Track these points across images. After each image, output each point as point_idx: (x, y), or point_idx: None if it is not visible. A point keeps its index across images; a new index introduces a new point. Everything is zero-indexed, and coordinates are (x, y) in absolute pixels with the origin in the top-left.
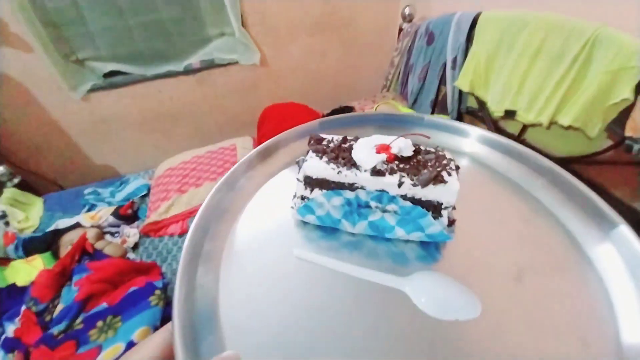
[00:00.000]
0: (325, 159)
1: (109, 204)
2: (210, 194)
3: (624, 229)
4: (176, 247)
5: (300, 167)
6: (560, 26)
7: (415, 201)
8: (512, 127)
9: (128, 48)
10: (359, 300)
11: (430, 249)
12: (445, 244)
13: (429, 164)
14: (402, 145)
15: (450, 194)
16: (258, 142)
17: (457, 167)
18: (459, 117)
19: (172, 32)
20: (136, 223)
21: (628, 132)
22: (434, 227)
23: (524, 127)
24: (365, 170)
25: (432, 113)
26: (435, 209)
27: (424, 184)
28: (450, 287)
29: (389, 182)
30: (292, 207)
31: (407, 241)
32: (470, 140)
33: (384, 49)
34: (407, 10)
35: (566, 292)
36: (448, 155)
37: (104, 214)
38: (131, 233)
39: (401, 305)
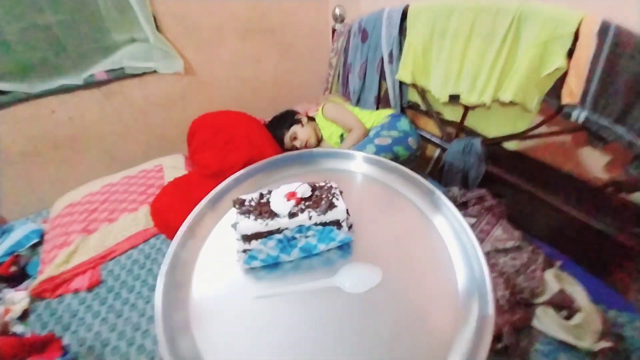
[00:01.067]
0: (252, 217)
1: None
2: (171, 249)
3: (440, 195)
4: (83, 307)
5: (236, 229)
6: (486, 8)
7: (323, 224)
8: (454, 114)
9: (4, 61)
10: (309, 304)
11: (344, 249)
12: (351, 242)
13: (323, 195)
14: (303, 190)
15: (341, 212)
16: (191, 157)
17: (341, 192)
18: (402, 112)
19: (64, 39)
20: (25, 283)
21: (565, 100)
22: (340, 235)
23: (465, 113)
24: (284, 216)
25: (377, 109)
26: (336, 224)
27: (324, 213)
28: (360, 269)
29: (303, 219)
30: (237, 260)
31: (328, 250)
32: (356, 162)
33: (320, 50)
34: (337, 11)
35: (425, 248)
36: (334, 185)
37: None
38: (17, 298)
39: (337, 295)
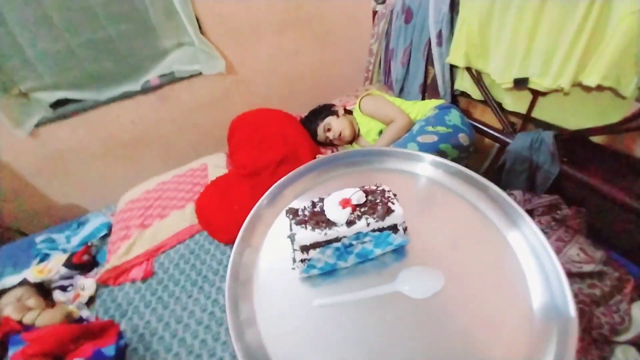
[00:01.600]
0: (309, 227)
1: (64, 251)
2: (231, 262)
3: (525, 216)
4: (138, 296)
5: (293, 240)
6: None
7: (380, 229)
8: (518, 103)
9: (74, 72)
10: (373, 311)
11: (399, 251)
12: (408, 245)
13: (378, 200)
14: (358, 196)
15: (398, 217)
16: (230, 157)
17: (395, 195)
18: (453, 101)
19: (122, 49)
20: (94, 271)
21: None
22: (397, 239)
23: (534, 101)
24: (341, 225)
25: (423, 98)
26: (393, 228)
27: (382, 219)
28: (421, 273)
29: (361, 226)
30: (293, 268)
31: (383, 254)
32: (424, 165)
33: (360, 37)
34: None
35: (489, 255)
36: (387, 189)
37: (54, 264)
38: (86, 285)
39: (400, 301)
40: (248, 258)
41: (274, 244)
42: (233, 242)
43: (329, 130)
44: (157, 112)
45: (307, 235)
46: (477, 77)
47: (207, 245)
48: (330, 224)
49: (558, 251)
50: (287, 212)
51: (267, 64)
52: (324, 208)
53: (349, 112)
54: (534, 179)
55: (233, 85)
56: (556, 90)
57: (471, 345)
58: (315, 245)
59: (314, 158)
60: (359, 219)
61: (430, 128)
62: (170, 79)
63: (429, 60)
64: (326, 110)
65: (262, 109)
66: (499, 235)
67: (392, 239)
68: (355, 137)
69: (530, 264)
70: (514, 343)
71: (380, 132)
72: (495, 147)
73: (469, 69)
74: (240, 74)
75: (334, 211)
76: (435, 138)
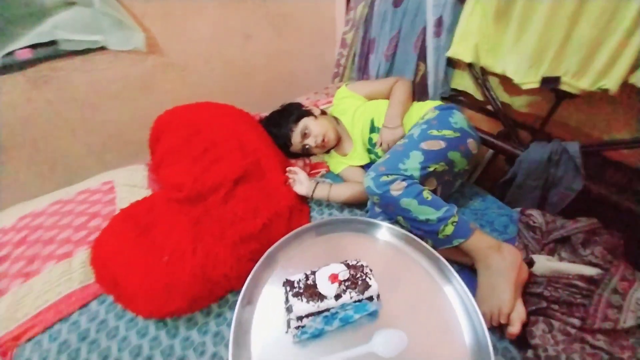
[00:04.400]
0: (304, 299)
1: None
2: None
3: (446, 264)
4: None
5: (290, 311)
6: None
7: (359, 300)
8: (534, 106)
9: None
10: None
11: (372, 314)
12: (380, 310)
13: (357, 275)
14: (343, 273)
15: (374, 290)
16: (154, 172)
17: (371, 270)
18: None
19: None
20: None
21: None
22: (372, 306)
23: (556, 105)
24: (331, 298)
25: (415, 99)
26: (369, 299)
27: (362, 293)
28: (389, 335)
29: (346, 299)
30: (286, 332)
31: (360, 317)
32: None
33: (327, 24)
34: None
35: (437, 308)
36: (365, 264)
37: None
38: None
39: (372, 358)
40: (244, 317)
41: (267, 305)
42: (160, 315)
43: (307, 135)
44: (29, 101)
45: (303, 307)
46: (482, 76)
47: (112, 322)
48: (322, 297)
49: (624, 293)
50: (285, 283)
51: (208, 46)
52: (316, 281)
53: (323, 112)
54: (546, 196)
55: (158, 70)
56: (588, 93)
57: None
58: (308, 315)
59: (284, 172)
60: (344, 293)
61: (434, 132)
62: (51, 53)
63: (421, 54)
64: (297, 110)
65: (204, 102)
66: (439, 289)
67: (368, 306)
68: (339, 139)
69: (461, 311)
70: None
71: (372, 122)
72: (487, 155)
73: (469, 66)
74: (168, 55)
75: (325, 286)
76: (442, 144)
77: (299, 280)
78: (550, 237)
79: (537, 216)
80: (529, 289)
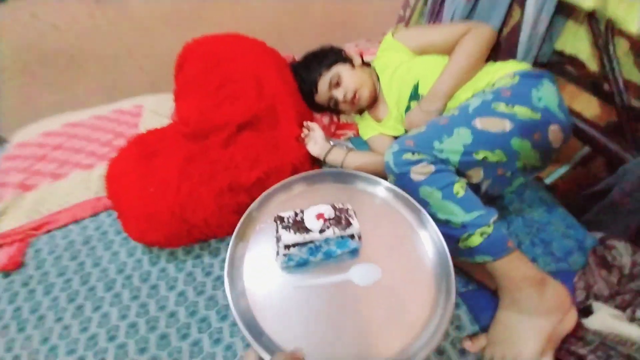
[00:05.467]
0: (292, 231)
1: None
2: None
3: (425, 215)
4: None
5: (279, 240)
6: None
7: (342, 236)
8: None
9: None
10: (330, 294)
11: (354, 252)
12: (360, 248)
13: (342, 215)
14: (328, 212)
15: (355, 228)
16: (176, 94)
17: (355, 212)
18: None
19: None
20: None
21: None
22: (353, 243)
23: None
24: (315, 231)
25: (489, 60)
26: (351, 236)
27: (344, 229)
28: (366, 267)
29: (329, 233)
30: (275, 260)
31: (342, 253)
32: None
33: None
34: None
35: (411, 249)
36: (349, 207)
37: None
38: None
39: (349, 286)
40: (240, 250)
41: (260, 242)
42: (143, 242)
43: (337, 85)
44: (91, 17)
45: (291, 237)
46: (605, 34)
47: (110, 236)
48: (307, 230)
49: None
50: (276, 218)
51: None
52: (304, 218)
53: (366, 64)
54: None
55: (210, 1)
56: None
57: (399, 306)
58: (295, 245)
59: (300, 126)
60: (328, 228)
61: (501, 107)
62: None
63: None
64: (334, 54)
65: (233, 34)
66: (415, 234)
67: (349, 243)
68: (375, 97)
69: (432, 252)
70: (423, 296)
71: (415, 88)
72: (580, 153)
73: (590, 18)
74: None
75: (311, 221)
76: (507, 125)
77: (289, 216)
78: (631, 284)
79: (621, 250)
80: (569, 345)
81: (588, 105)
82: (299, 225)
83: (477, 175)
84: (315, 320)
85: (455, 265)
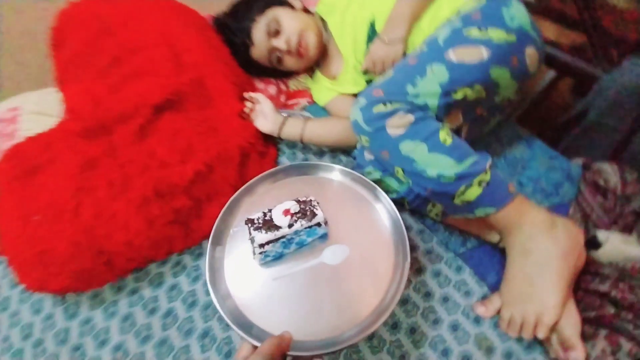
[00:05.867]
0: (263, 231)
1: None
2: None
3: (379, 191)
4: None
5: (253, 241)
6: None
7: (309, 227)
8: None
9: None
10: (307, 277)
11: (323, 237)
12: (328, 233)
13: (307, 208)
14: (294, 207)
15: (320, 218)
16: (58, 80)
17: (318, 203)
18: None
19: None
20: None
21: None
22: (320, 230)
23: None
24: (285, 227)
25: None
26: (318, 225)
27: (310, 220)
28: (335, 248)
29: (297, 227)
30: (253, 258)
31: (313, 240)
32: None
33: None
34: None
35: (371, 223)
36: (313, 198)
37: None
38: None
39: (323, 267)
40: (219, 254)
41: (236, 243)
42: (46, 291)
43: (277, 33)
44: None
45: (263, 236)
46: None
47: (4, 291)
48: (277, 227)
49: None
50: (246, 221)
51: None
52: (272, 217)
53: (307, 11)
54: (628, 145)
55: None
56: None
57: (368, 274)
58: (268, 242)
59: (241, 98)
60: (296, 222)
61: (474, 32)
62: None
63: None
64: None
65: None
66: (372, 208)
67: (317, 231)
68: (322, 44)
69: (387, 221)
70: (386, 261)
71: (372, 26)
72: (545, 79)
73: None
74: None
75: (279, 218)
76: (484, 53)
77: (258, 217)
78: (629, 206)
79: (610, 173)
80: (586, 285)
81: (550, 33)
82: (269, 224)
83: (456, 119)
84: (297, 304)
85: (447, 225)
